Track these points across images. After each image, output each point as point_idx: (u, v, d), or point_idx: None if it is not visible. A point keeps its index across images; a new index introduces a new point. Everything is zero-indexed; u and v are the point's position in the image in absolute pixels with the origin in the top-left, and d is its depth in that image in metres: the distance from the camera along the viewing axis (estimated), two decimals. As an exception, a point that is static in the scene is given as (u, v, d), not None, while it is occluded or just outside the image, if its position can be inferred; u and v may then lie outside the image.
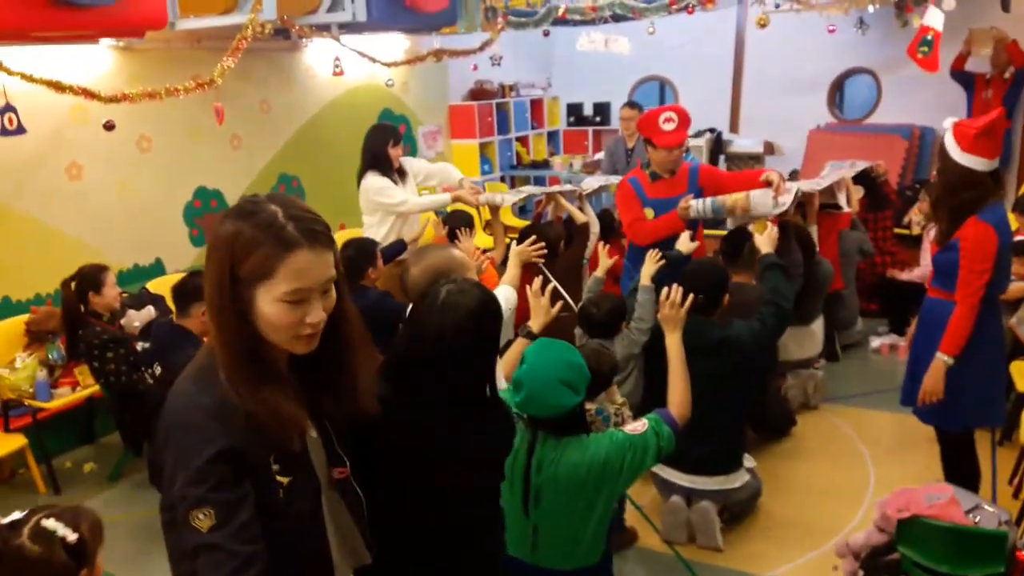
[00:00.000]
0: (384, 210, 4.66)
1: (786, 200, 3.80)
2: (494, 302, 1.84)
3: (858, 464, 4.05)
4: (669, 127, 3.85)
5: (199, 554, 1.31)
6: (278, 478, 1.40)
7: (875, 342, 5.53)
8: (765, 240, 3.57)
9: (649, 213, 3.97)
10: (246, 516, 1.33)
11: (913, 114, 7.32)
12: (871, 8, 5.88)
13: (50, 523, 1.69)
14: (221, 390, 1.35)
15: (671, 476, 3.40)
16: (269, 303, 1.33)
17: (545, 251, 3.48)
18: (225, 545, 1.30)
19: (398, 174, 4.72)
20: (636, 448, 2.22)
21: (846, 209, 5.08)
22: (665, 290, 2.80)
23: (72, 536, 1.69)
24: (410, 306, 1.82)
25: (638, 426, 2.29)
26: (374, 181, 4.62)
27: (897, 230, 6.05)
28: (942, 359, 2.97)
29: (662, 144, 3.87)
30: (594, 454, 2.20)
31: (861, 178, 5.59)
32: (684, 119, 3.90)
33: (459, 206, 4.69)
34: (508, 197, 4.86)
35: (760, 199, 3.75)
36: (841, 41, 7.14)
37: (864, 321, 5.66)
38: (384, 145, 4.63)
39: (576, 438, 2.23)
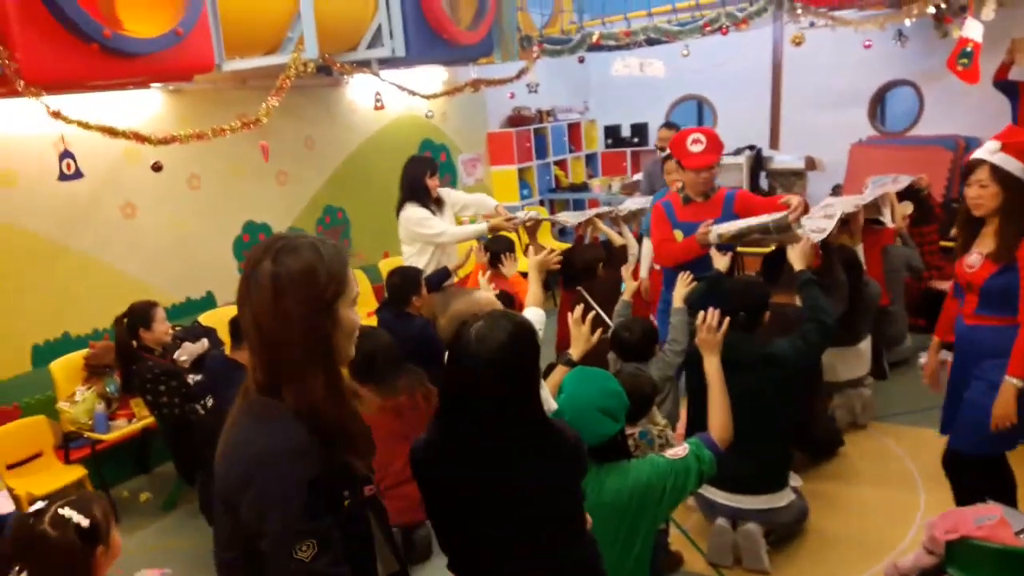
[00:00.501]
0: (423, 240, 4.73)
1: (821, 225, 3.76)
2: (526, 330, 1.85)
3: (907, 484, 3.98)
4: (697, 148, 3.85)
5: None
6: (345, 503, 1.51)
7: (924, 358, 5.42)
8: (797, 256, 3.55)
9: (678, 235, 3.96)
10: (336, 540, 1.44)
11: (957, 125, 7.21)
12: (907, 22, 5.82)
13: (66, 511, 1.97)
14: (292, 427, 1.44)
15: (714, 496, 3.39)
16: (348, 312, 1.51)
17: (561, 258, 3.51)
18: (328, 571, 1.41)
19: (436, 204, 4.78)
20: (678, 473, 2.24)
21: (889, 225, 5.02)
22: (701, 314, 2.81)
23: (85, 522, 1.97)
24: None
25: (679, 450, 2.31)
26: (413, 212, 4.69)
27: (943, 243, 5.94)
28: (1013, 383, 2.84)
29: (689, 165, 3.88)
30: (636, 479, 2.22)
31: (906, 192, 5.52)
32: (713, 141, 3.89)
33: (498, 233, 4.74)
34: (538, 215, 4.88)
35: (776, 223, 3.65)
36: (880, 54, 7.08)
37: (913, 337, 5.56)
38: (422, 176, 4.71)
39: (617, 464, 2.25)
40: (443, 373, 1.87)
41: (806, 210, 3.81)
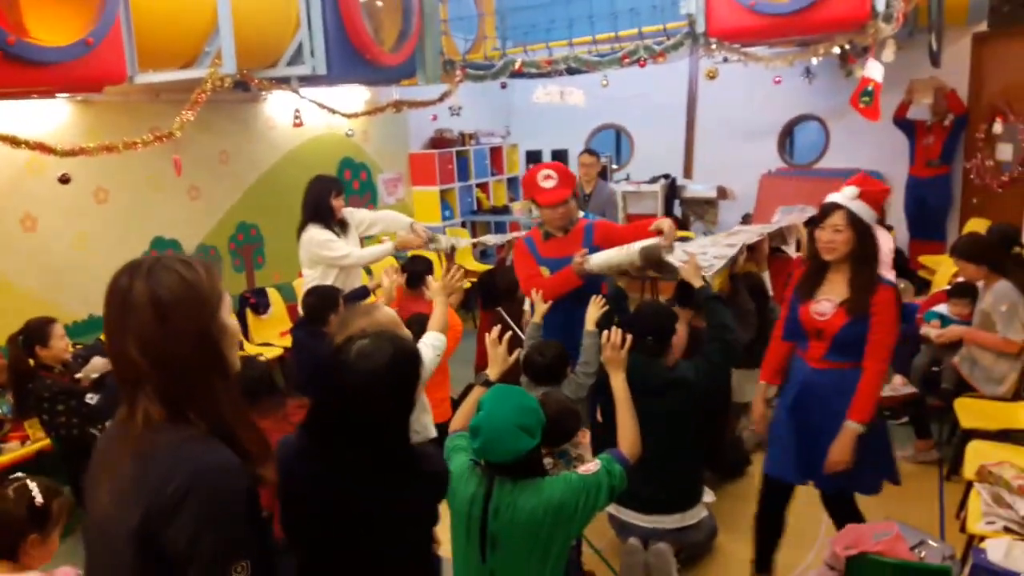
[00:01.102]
0: (326, 263, 4.55)
1: (724, 253, 3.71)
2: (409, 354, 1.85)
3: (811, 503, 4.09)
4: (548, 184, 3.74)
5: None
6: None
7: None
8: (690, 271, 3.49)
9: (544, 272, 3.83)
10: (263, 559, 1.43)
11: (861, 159, 7.58)
12: (814, 60, 6.11)
13: (31, 484, 2.17)
14: (217, 445, 1.41)
15: (627, 517, 3.43)
16: (229, 318, 1.50)
17: (464, 280, 3.60)
18: None
19: (340, 226, 4.64)
20: (590, 488, 2.27)
21: (792, 255, 5.22)
22: (605, 333, 2.85)
23: (39, 500, 2.14)
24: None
25: (591, 466, 2.34)
26: (316, 233, 4.52)
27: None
28: (854, 427, 2.90)
29: (543, 202, 3.75)
30: (549, 496, 2.23)
31: (811, 221, 5.76)
32: (564, 176, 3.79)
33: (411, 252, 4.68)
34: (460, 241, 4.85)
35: (647, 251, 3.49)
36: (789, 90, 7.41)
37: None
38: (327, 196, 4.55)
39: (532, 481, 2.27)
40: (318, 383, 1.85)
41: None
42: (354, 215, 4.82)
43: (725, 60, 6.20)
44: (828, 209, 2.92)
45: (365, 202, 7.50)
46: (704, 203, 8.32)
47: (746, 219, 7.53)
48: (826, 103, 7.81)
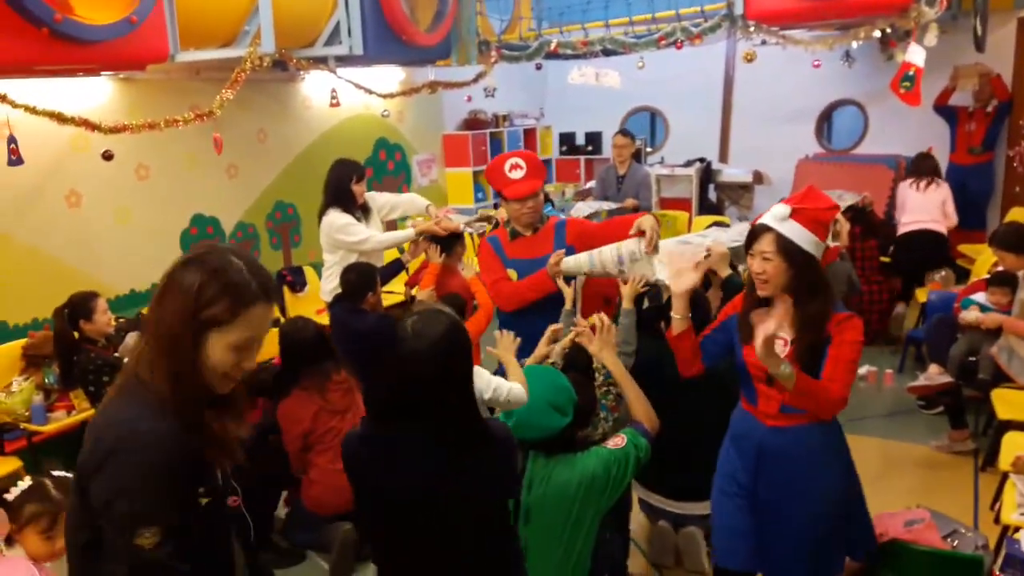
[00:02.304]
0: (346, 248, 4.47)
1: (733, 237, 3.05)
2: (459, 325, 1.83)
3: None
4: (516, 174, 3.32)
5: (140, 571, 1.40)
6: (201, 500, 1.50)
7: (861, 370, 5.61)
8: (627, 293, 3.03)
9: (512, 275, 3.40)
10: (180, 535, 1.42)
11: (899, 144, 7.47)
12: (854, 44, 6.02)
13: (49, 484, 2.42)
14: (162, 415, 1.43)
15: (658, 503, 3.46)
16: (220, 347, 1.47)
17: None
18: (167, 563, 1.40)
19: (361, 211, 4.55)
20: (620, 461, 2.34)
21: (831, 243, 5.16)
22: (594, 316, 2.78)
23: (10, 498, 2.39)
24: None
25: (618, 440, 2.41)
26: (336, 218, 4.44)
27: (883, 258, 6.15)
28: (786, 371, 2.25)
29: (511, 195, 3.32)
30: (582, 470, 2.30)
31: (849, 209, 5.69)
32: (534, 166, 3.36)
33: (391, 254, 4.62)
34: (468, 222, 4.67)
35: (625, 253, 3.05)
36: (828, 74, 7.30)
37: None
38: (348, 180, 4.46)
39: (564, 456, 2.32)
40: (376, 372, 1.87)
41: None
42: (375, 199, 4.74)
43: (763, 43, 6.14)
44: (754, 232, 2.41)
45: (400, 183, 7.55)
46: (739, 188, 8.25)
47: (782, 204, 7.46)
48: (865, 87, 7.69)
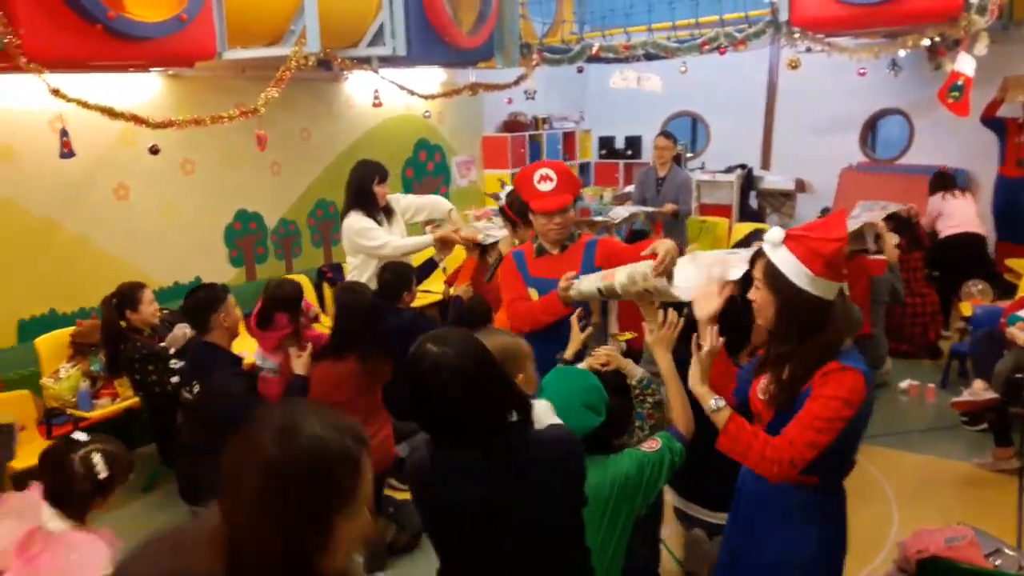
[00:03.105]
0: (365, 252, 4.41)
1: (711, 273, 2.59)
2: (478, 355, 1.83)
3: (882, 504, 4.04)
4: (546, 187, 3.07)
5: None
6: None
7: (903, 383, 5.52)
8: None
9: (533, 294, 3.16)
10: None
11: (946, 155, 7.34)
12: (902, 52, 5.93)
13: (96, 458, 2.32)
14: None
15: (695, 512, 3.44)
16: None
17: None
18: None
19: (384, 213, 4.48)
20: (653, 464, 2.31)
21: (872, 250, 5.09)
22: (660, 312, 2.61)
23: (104, 475, 2.31)
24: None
25: (653, 443, 2.38)
26: (355, 221, 4.37)
27: (929, 271, 6.06)
28: (716, 406, 2.13)
29: (539, 208, 3.08)
30: (615, 472, 2.28)
31: (894, 220, 5.61)
32: (566, 179, 3.10)
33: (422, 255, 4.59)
34: (493, 233, 4.51)
35: (636, 276, 2.75)
36: (874, 82, 7.18)
37: (892, 361, 5.65)
38: (369, 182, 4.39)
39: (598, 457, 2.31)
40: (414, 403, 1.83)
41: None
42: (399, 202, 4.66)
43: (808, 50, 6.06)
44: (753, 257, 2.20)
45: (439, 184, 7.60)
46: (781, 195, 8.16)
47: (824, 213, 7.37)
48: (912, 97, 7.56)
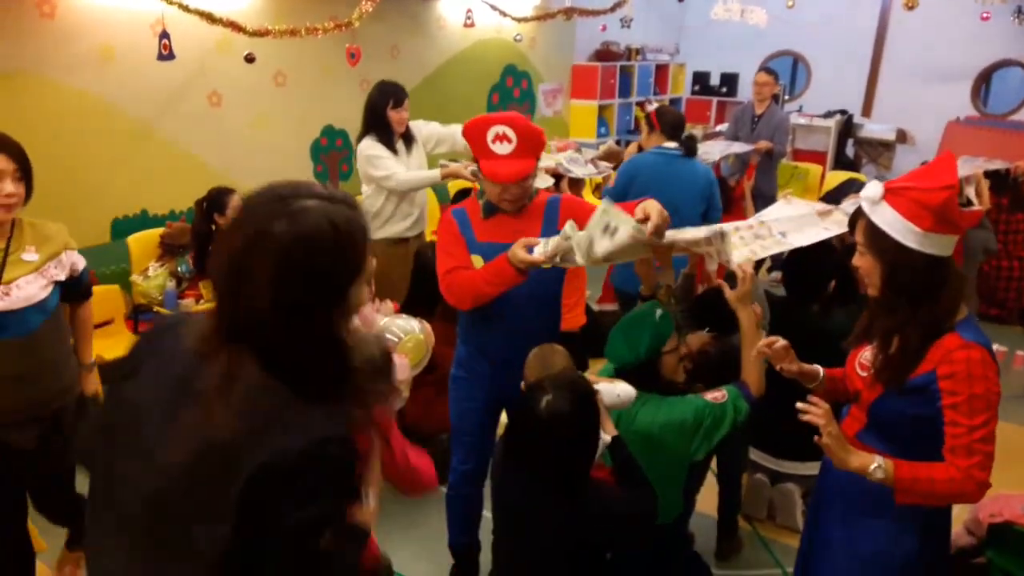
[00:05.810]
0: (375, 182, 4.16)
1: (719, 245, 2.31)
2: (588, 400, 2.00)
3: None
4: (502, 149, 2.40)
5: None
6: None
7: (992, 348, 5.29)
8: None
9: (477, 261, 2.52)
10: None
11: (1066, 114, 6.87)
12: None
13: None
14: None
15: (759, 458, 3.41)
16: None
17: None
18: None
19: (404, 140, 4.22)
20: (715, 414, 2.29)
21: (976, 205, 4.84)
22: (738, 266, 2.38)
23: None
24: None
25: (718, 395, 2.35)
26: (367, 147, 4.11)
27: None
28: (882, 469, 1.79)
29: (490, 174, 2.42)
30: (668, 415, 2.28)
31: (995, 178, 5.31)
32: (527, 140, 2.39)
33: (458, 183, 4.47)
34: (573, 169, 4.39)
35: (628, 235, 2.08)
36: (994, 30, 6.74)
37: (981, 324, 5.41)
38: (383, 106, 4.10)
39: (653, 396, 2.30)
40: (512, 422, 2.12)
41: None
42: (421, 130, 4.36)
43: (928, -12, 5.70)
44: (852, 218, 2.00)
45: (524, 111, 7.50)
46: (880, 145, 7.80)
47: (923, 167, 7.02)
48: (1036, 47, 7.07)
